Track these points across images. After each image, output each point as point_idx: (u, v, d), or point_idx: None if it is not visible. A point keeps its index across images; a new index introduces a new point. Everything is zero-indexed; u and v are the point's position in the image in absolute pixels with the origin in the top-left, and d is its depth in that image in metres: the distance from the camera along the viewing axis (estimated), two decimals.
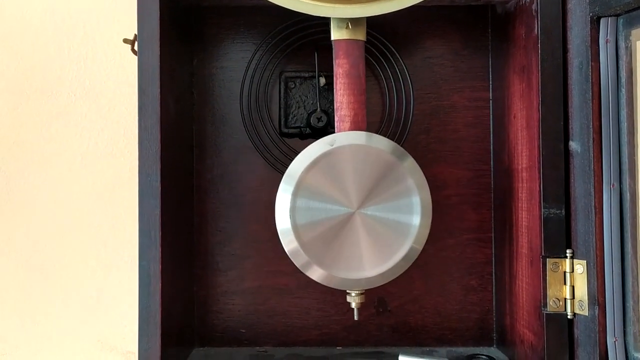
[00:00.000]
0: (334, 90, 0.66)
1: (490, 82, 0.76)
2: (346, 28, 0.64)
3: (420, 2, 0.64)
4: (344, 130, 0.65)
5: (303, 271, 0.63)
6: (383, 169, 0.62)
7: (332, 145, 0.63)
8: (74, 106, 0.82)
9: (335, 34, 0.65)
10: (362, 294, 0.66)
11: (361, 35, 0.65)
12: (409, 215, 0.62)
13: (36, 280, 0.82)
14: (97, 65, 0.82)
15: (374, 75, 0.77)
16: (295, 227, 0.62)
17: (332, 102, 0.76)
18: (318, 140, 0.64)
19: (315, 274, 0.63)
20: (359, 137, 0.64)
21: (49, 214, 0.82)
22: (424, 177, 0.64)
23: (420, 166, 0.76)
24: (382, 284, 0.64)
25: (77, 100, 0.82)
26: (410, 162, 0.63)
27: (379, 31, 0.75)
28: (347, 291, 0.66)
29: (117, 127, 0.82)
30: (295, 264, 0.63)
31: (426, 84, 0.77)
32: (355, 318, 0.67)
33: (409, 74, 0.76)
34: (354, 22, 0.64)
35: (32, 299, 0.82)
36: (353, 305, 0.66)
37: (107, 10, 0.82)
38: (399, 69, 0.76)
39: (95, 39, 0.82)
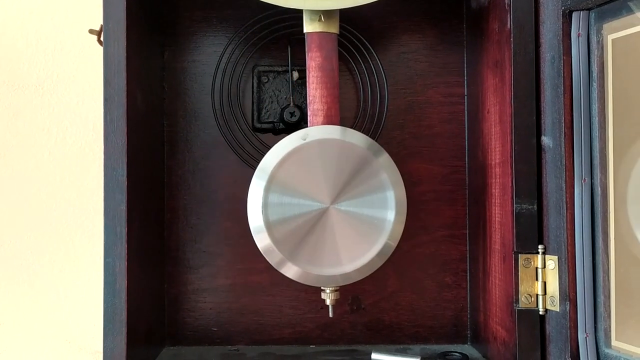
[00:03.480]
0: (307, 83, 0.65)
1: (465, 78, 0.76)
2: (319, 21, 0.63)
3: None
4: (317, 125, 0.64)
5: (277, 269, 0.62)
6: (357, 163, 0.62)
7: (304, 140, 0.62)
8: (41, 99, 0.80)
9: (308, 27, 0.64)
10: (336, 290, 0.65)
11: (334, 28, 0.64)
12: (384, 210, 0.62)
13: (1, 278, 0.80)
14: (66, 58, 0.80)
15: (349, 70, 0.76)
16: (268, 224, 0.61)
17: (305, 96, 0.75)
18: (291, 135, 0.63)
19: (290, 271, 0.62)
20: (333, 132, 0.63)
21: (15, 210, 0.80)
22: (399, 173, 0.63)
23: (394, 162, 0.76)
24: (357, 279, 0.63)
25: (45, 93, 0.80)
26: (385, 158, 0.63)
27: (354, 25, 0.74)
28: (322, 288, 0.65)
29: (86, 121, 0.80)
30: (269, 262, 0.62)
31: (401, 79, 0.76)
32: (330, 315, 0.67)
33: (383, 69, 0.75)
34: (327, 14, 0.63)
35: None
36: (328, 302, 0.65)
37: (75, 1, 0.80)
38: (373, 64, 0.76)
39: (64, 31, 0.80)
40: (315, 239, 0.61)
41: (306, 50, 0.65)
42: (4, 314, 0.80)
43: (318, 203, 0.61)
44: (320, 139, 0.62)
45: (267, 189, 0.61)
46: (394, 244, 0.62)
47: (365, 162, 0.62)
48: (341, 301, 0.75)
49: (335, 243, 0.62)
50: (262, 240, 0.61)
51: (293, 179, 0.61)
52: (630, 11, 0.54)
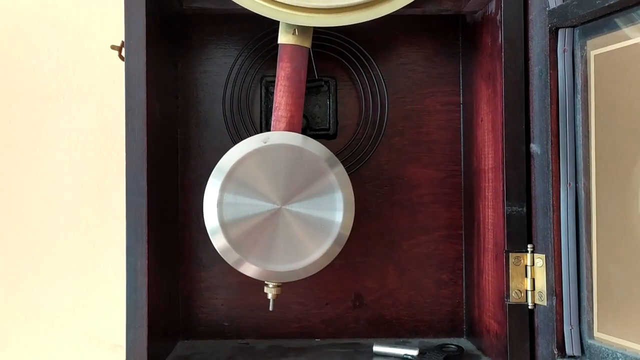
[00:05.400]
0: (275, 91, 0.68)
1: (461, 87, 0.80)
2: (293, 34, 0.67)
3: (394, 12, 0.67)
4: (279, 130, 0.67)
5: (236, 268, 0.65)
6: (313, 172, 0.64)
7: (265, 143, 0.64)
8: (62, 109, 0.85)
9: (282, 38, 0.67)
10: (279, 286, 0.68)
11: (307, 43, 0.68)
12: (332, 211, 0.64)
13: (26, 277, 0.84)
14: (85, 69, 0.84)
15: (351, 80, 0.80)
16: (223, 224, 0.63)
17: (311, 105, 0.79)
18: (252, 137, 0.66)
19: (248, 270, 0.65)
20: (294, 139, 0.65)
21: (39, 213, 0.84)
22: (349, 180, 0.66)
23: (394, 167, 0.80)
24: (315, 272, 0.66)
25: (66, 103, 0.85)
26: (339, 170, 0.65)
27: (356, 38, 0.78)
28: (265, 282, 0.67)
29: (105, 129, 0.84)
30: (227, 262, 0.65)
31: (400, 89, 0.80)
32: (271, 309, 0.69)
33: (384, 79, 0.79)
34: (301, 29, 0.67)
35: (22, 295, 0.84)
36: (270, 296, 0.68)
37: (94, 16, 0.84)
38: (374, 75, 0.80)
39: (84, 44, 0.84)
40: (268, 238, 0.64)
41: (278, 59, 0.68)
42: (28, 310, 0.84)
43: (270, 204, 0.64)
44: (280, 144, 0.64)
45: (223, 188, 0.63)
46: (347, 233, 0.65)
47: (320, 172, 0.64)
48: (344, 298, 0.79)
49: (288, 241, 0.64)
50: (218, 240, 0.64)
51: (249, 180, 0.63)
52: (611, 29, 0.58)
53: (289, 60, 0.67)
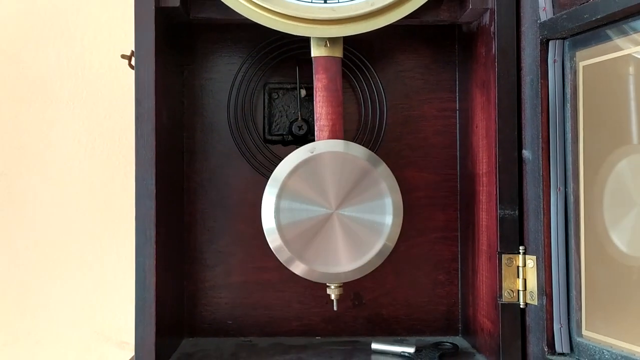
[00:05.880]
0: (314, 102, 0.72)
1: (457, 94, 0.83)
2: (325, 46, 0.70)
3: (393, 22, 0.70)
4: (323, 139, 0.71)
5: (287, 266, 0.69)
6: (359, 174, 0.68)
7: (312, 153, 0.68)
8: (72, 114, 0.87)
9: (315, 51, 0.71)
10: (340, 286, 0.72)
11: (338, 53, 0.71)
12: (382, 215, 0.69)
13: (37, 276, 0.87)
14: (94, 76, 0.87)
15: (351, 87, 0.83)
16: (280, 227, 0.68)
17: (312, 111, 0.81)
18: (300, 148, 0.70)
19: (298, 268, 0.69)
20: (337, 145, 0.69)
21: (49, 214, 0.87)
22: (396, 181, 0.70)
23: (392, 170, 0.82)
24: (358, 277, 0.70)
25: (75, 109, 0.87)
26: (383, 168, 0.69)
27: (356, 47, 0.81)
28: (327, 284, 0.72)
29: (113, 134, 0.87)
30: (280, 260, 0.69)
31: (399, 95, 0.82)
32: (335, 309, 0.73)
33: (382, 86, 0.82)
34: (332, 40, 0.70)
35: (33, 293, 0.87)
36: (333, 297, 0.72)
37: (103, 25, 0.87)
38: (373, 82, 0.82)
39: (92, 52, 0.87)
40: (321, 240, 0.68)
41: (313, 72, 0.71)
42: (38, 307, 0.87)
43: (324, 209, 0.68)
44: (326, 152, 0.68)
45: (279, 196, 0.68)
46: (392, 245, 0.69)
47: (365, 173, 0.68)
48: (344, 297, 0.80)
49: (339, 244, 0.68)
50: (274, 241, 0.68)
51: (302, 187, 0.68)
52: (598, 42, 0.61)
53: (324, 71, 0.70)
